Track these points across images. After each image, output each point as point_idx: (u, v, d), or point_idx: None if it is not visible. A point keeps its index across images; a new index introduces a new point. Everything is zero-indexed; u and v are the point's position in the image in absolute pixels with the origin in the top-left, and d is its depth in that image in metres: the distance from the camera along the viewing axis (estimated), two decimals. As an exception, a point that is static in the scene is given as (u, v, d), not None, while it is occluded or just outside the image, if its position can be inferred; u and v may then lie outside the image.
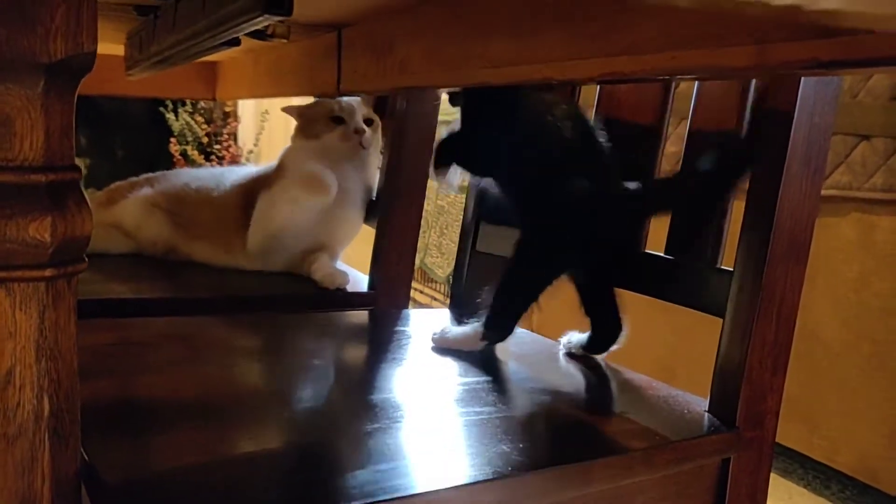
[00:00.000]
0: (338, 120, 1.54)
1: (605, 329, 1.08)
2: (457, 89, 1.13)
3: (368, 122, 1.56)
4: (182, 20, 0.89)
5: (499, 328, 1.07)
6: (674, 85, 1.06)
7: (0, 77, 0.54)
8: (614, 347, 1.09)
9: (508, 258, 1.06)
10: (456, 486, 0.68)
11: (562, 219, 1.02)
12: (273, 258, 1.54)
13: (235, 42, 0.83)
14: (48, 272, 0.57)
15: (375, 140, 1.58)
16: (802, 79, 0.83)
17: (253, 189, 1.59)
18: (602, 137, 1.04)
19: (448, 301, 1.21)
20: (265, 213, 1.51)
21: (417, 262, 3.32)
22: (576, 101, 1.20)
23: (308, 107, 1.61)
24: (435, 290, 3.21)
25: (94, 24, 0.56)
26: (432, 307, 2.99)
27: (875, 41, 0.46)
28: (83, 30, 0.56)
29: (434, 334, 1.11)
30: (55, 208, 0.57)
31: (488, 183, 1.18)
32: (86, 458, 0.67)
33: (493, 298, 1.05)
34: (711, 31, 0.60)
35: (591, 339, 1.09)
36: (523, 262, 1.05)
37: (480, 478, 0.69)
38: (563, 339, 1.13)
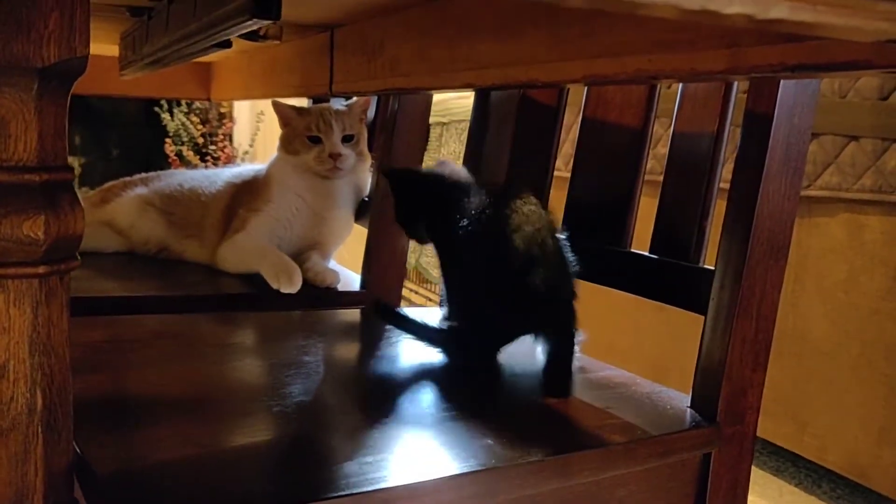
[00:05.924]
0: (315, 140, 1.51)
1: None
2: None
3: (349, 137, 1.52)
4: (174, 22, 0.91)
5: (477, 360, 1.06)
6: (659, 87, 1.08)
7: (-5, 80, 0.56)
8: None
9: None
10: (439, 478, 0.69)
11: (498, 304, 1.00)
12: None
13: (227, 44, 0.85)
14: (41, 269, 0.59)
15: (360, 152, 1.56)
16: (782, 81, 0.85)
17: (240, 190, 1.60)
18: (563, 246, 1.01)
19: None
20: (232, 251, 1.51)
21: (412, 262, 3.34)
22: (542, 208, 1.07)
23: (291, 117, 1.57)
24: (430, 290, 3.22)
25: (87, 29, 0.57)
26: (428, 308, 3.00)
27: (837, 47, 0.47)
28: (76, 34, 0.57)
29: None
30: (49, 207, 0.58)
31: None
32: (78, 451, 0.68)
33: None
34: (686, 35, 0.61)
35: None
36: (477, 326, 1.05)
37: (463, 470, 0.71)
38: None
